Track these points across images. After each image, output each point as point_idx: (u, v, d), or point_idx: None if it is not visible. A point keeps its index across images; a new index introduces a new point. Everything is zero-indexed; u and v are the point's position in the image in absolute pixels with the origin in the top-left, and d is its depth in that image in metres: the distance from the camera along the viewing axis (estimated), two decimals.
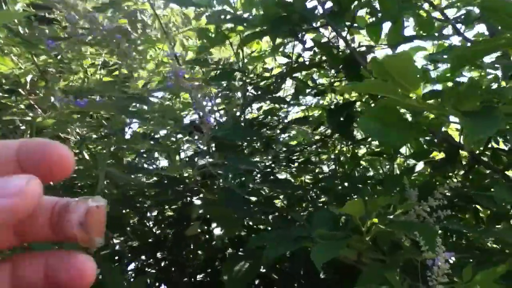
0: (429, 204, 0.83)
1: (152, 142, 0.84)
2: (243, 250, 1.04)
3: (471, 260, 0.76)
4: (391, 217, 0.78)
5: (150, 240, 1.13)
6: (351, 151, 1.58)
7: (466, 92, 0.65)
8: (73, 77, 1.28)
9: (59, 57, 0.98)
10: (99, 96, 0.71)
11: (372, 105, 1.14)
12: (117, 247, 1.09)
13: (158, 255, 1.22)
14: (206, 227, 1.09)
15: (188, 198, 0.96)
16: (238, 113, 1.44)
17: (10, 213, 0.17)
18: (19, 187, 0.18)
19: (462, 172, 1.25)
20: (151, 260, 1.23)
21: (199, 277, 1.16)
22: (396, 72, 0.62)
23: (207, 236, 1.13)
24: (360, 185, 1.32)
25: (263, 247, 0.88)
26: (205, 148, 1.26)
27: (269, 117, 1.60)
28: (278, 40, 1.61)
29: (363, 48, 1.29)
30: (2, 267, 0.21)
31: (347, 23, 1.17)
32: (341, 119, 1.19)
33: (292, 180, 1.70)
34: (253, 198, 1.26)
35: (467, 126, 0.53)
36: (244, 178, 1.06)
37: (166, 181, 0.90)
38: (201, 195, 0.90)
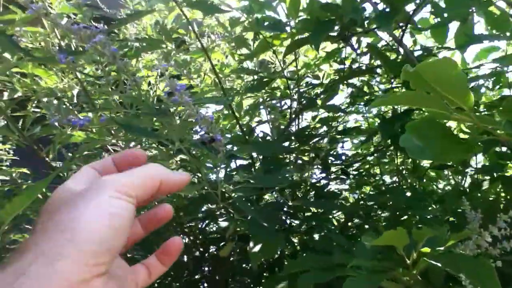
0: (491, 233, 0.70)
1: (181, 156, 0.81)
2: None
3: None
4: (442, 248, 0.67)
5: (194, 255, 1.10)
6: (412, 163, 1.45)
7: None
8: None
9: (99, 71, 0.98)
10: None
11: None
12: None
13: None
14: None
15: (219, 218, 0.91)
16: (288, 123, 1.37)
17: (184, 181, 0.36)
18: (185, 174, 0.37)
19: None
20: (198, 275, 1.20)
21: None
22: (437, 83, 0.52)
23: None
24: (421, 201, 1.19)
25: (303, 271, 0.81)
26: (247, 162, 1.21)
27: (324, 127, 1.51)
28: (333, 46, 1.51)
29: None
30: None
31: (401, 25, 1.07)
32: (396, 129, 1.08)
33: (353, 193, 1.60)
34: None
35: None
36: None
37: (195, 199, 0.86)
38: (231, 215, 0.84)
